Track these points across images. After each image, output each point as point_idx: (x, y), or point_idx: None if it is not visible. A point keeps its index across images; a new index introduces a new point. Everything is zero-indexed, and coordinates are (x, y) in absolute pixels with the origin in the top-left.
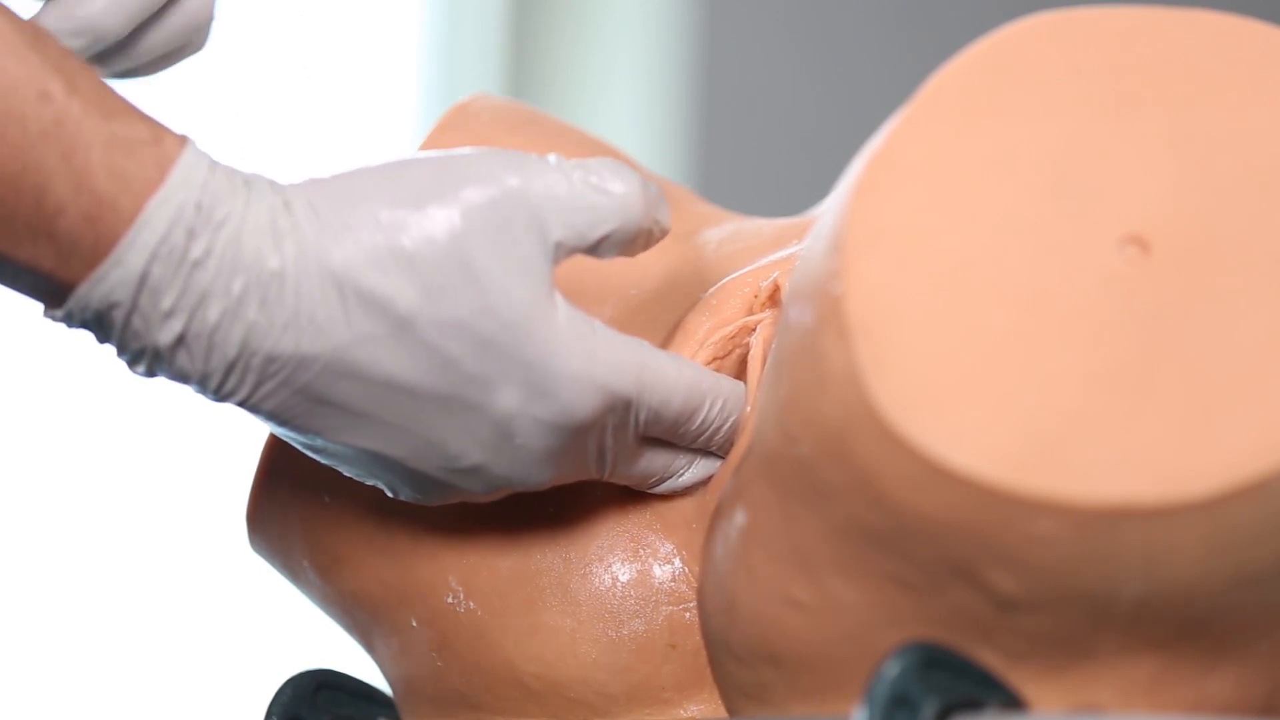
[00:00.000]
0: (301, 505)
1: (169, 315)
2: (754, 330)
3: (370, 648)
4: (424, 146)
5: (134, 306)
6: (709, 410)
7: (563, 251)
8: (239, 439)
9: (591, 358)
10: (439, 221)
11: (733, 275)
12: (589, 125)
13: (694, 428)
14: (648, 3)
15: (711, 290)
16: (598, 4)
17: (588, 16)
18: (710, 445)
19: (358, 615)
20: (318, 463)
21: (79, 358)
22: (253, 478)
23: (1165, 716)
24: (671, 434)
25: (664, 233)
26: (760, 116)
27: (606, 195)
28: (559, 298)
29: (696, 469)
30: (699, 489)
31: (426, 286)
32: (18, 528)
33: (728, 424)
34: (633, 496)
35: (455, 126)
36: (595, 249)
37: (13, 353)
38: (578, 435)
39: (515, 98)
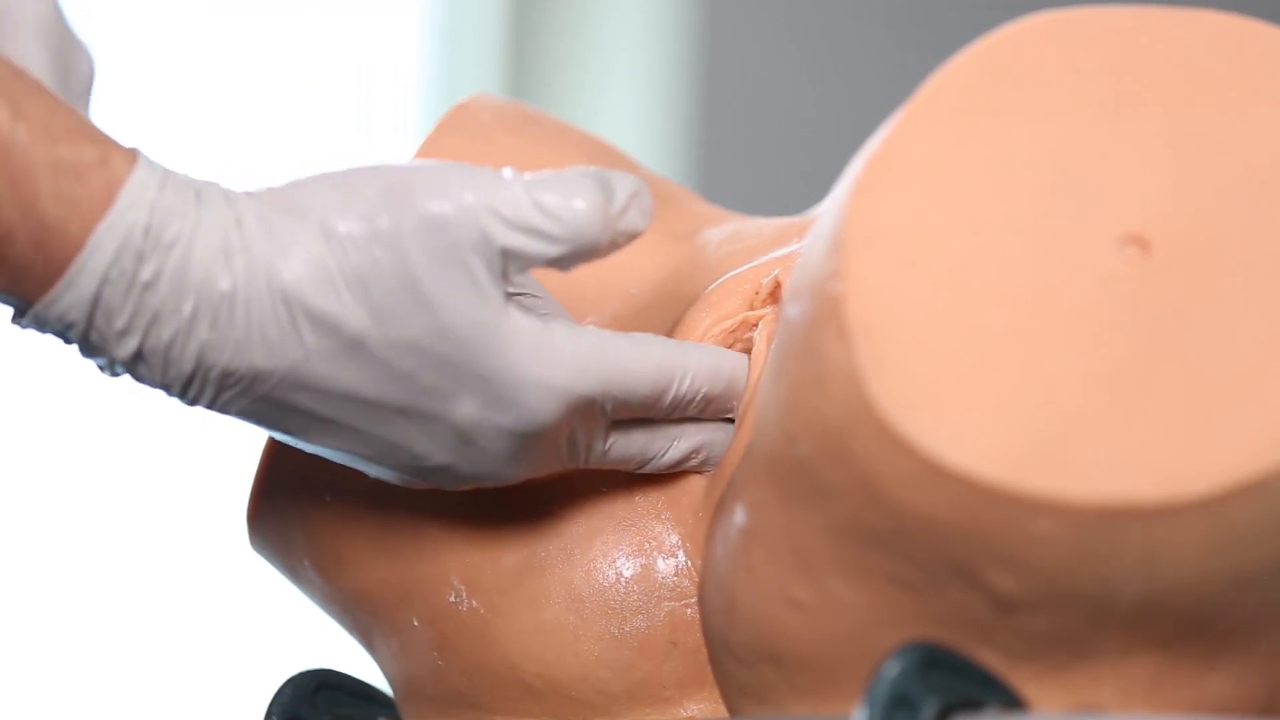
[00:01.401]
0: (302, 504)
1: (123, 334)
2: (755, 325)
3: (371, 647)
4: (424, 146)
5: (90, 325)
6: (677, 388)
7: (515, 267)
8: (239, 439)
9: (551, 365)
10: (387, 239)
11: (733, 272)
12: (589, 125)
13: (665, 406)
14: (648, 3)
15: (712, 286)
16: (598, 4)
17: (588, 16)
18: (685, 415)
19: (358, 614)
20: (318, 461)
21: (78, 358)
22: (253, 477)
23: (1165, 716)
24: (643, 414)
25: (632, 239)
26: (760, 116)
27: (555, 217)
28: (513, 309)
29: (677, 447)
30: (706, 472)
31: (376, 307)
32: (18, 528)
33: (699, 396)
34: (639, 487)
35: (455, 126)
36: (552, 264)
37: (12, 353)
38: (543, 436)
39: (515, 98)
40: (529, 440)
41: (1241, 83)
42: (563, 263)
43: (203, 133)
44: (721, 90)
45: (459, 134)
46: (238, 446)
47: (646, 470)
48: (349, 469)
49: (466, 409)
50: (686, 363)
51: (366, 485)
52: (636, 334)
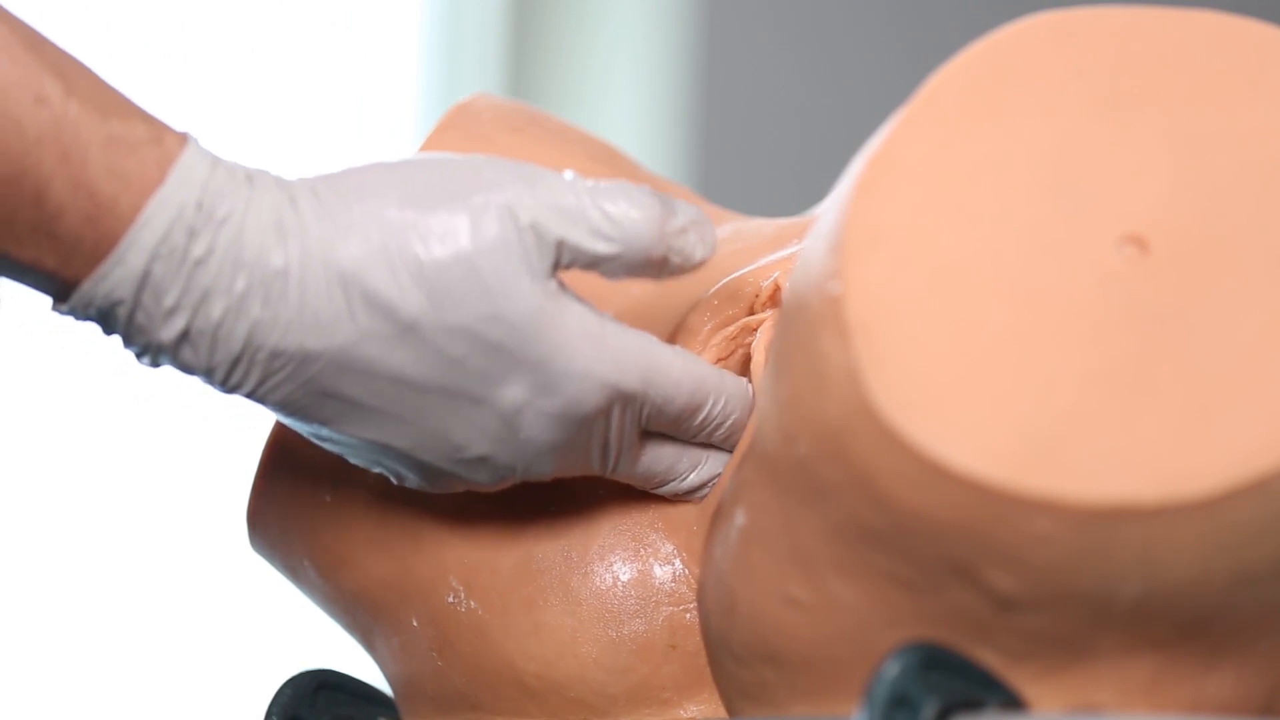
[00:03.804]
0: (302, 504)
1: (172, 312)
2: (756, 330)
3: (370, 647)
4: (424, 146)
5: (137, 304)
6: (711, 407)
7: (567, 261)
8: (239, 438)
9: (598, 354)
10: (448, 227)
11: (733, 275)
12: (589, 125)
13: (696, 423)
14: (648, 3)
15: (712, 290)
16: (598, 4)
17: (588, 16)
18: (712, 439)
19: (358, 615)
20: (319, 462)
21: (78, 358)
22: (253, 477)
23: (1165, 716)
24: (674, 428)
25: (687, 264)
26: (760, 116)
27: (613, 220)
28: (567, 298)
29: (699, 473)
30: (702, 493)
31: (433, 291)
32: (18, 528)
33: (729, 421)
34: (635, 496)
35: (456, 126)
36: (598, 267)
37: (14, 352)
38: (583, 427)
39: (515, 98)
40: (570, 431)
41: (1240, 83)
42: (612, 266)
43: (202, 132)
44: (721, 90)
45: (459, 134)
46: (238, 446)
47: (663, 491)
48: (349, 469)
49: (513, 393)
50: (723, 385)
51: (366, 485)
52: (679, 348)
